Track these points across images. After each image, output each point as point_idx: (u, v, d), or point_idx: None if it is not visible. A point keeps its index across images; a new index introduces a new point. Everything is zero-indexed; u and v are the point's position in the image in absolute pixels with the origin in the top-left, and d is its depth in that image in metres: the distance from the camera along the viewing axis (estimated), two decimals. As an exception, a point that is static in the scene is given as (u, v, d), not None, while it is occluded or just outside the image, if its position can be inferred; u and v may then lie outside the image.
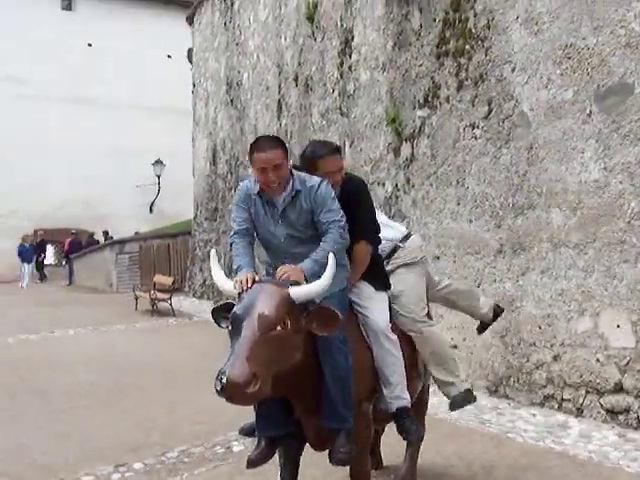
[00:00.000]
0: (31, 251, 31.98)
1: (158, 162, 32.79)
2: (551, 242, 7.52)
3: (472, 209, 8.57)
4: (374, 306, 4.69)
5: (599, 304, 7.03)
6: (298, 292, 3.97)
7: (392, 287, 5.06)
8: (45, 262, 35.44)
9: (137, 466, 6.37)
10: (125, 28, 37.18)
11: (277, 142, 4.30)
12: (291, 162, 4.51)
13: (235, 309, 3.88)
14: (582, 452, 6.24)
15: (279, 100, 15.23)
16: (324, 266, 4.05)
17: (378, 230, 4.95)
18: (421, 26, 9.47)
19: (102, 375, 10.17)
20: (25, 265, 31.31)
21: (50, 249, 37.40)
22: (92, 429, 7.56)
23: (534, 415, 7.46)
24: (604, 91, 6.98)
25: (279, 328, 3.76)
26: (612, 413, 6.92)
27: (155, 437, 7.19)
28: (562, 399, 7.42)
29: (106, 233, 33.02)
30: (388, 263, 5.24)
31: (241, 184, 4.61)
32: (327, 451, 4.35)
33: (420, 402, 5.49)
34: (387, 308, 4.83)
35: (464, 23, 8.67)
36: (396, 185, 10.07)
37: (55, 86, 36.37)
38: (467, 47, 8.63)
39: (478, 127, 8.48)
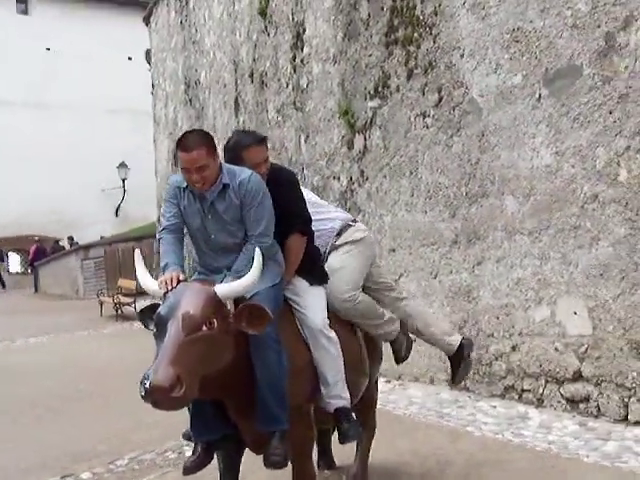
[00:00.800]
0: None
1: (122, 165, 32.53)
2: (506, 230, 7.37)
3: (426, 200, 8.41)
4: (310, 302, 4.50)
5: (555, 292, 6.89)
6: (224, 290, 3.81)
7: (332, 264, 4.90)
8: (10, 270, 35.07)
9: (85, 476, 6.25)
10: (84, 31, 37.00)
11: (203, 140, 4.06)
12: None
13: (159, 310, 3.72)
14: (541, 443, 6.09)
15: (236, 97, 15.00)
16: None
17: (310, 221, 4.75)
18: (369, 15, 9.29)
19: (60, 383, 10.00)
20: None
21: (14, 257, 37.09)
22: (42, 438, 7.40)
23: (494, 407, 7.33)
24: (553, 74, 6.83)
25: (205, 328, 3.60)
26: (572, 402, 6.79)
27: (108, 444, 7.02)
28: (522, 390, 7.29)
29: (71, 239, 32.71)
30: (336, 241, 5.06)
31: (171, 178, 4.43)
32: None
33: (368, 400, 5.31)
34: (324, 304, 4.63)
35: (412, 10, 8.50)
36: (351, 178, 9.90)
37: (15, 91, 36.06)
38: (415, 35, 8.46)
39: (429, 116, 8.32)
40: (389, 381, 8.83)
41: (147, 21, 22.73)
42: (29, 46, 36.53)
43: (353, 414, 4.59)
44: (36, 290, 31.71)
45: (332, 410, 4.42)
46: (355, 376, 4.77)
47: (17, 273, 37.95)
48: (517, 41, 7.16)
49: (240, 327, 3.78)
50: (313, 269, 4.70)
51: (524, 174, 7.12)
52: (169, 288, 3.82)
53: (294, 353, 4.22)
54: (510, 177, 7.28)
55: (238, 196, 4.14)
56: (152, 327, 3.77)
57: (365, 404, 5.30)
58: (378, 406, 7.43)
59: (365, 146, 9.52)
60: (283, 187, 4.53)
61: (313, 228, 4.77)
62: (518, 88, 7.18)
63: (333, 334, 4.45)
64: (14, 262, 38.37)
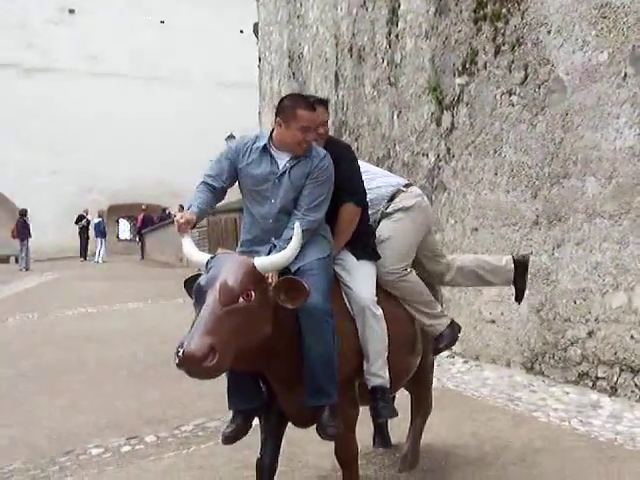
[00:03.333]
0: (101, 226, 32.46)
1: (231, 137, 32.66)
2: (586, 212, 7.16)
3: (509, 179, 8.23)
4: (358, 278, 4.46)
5: (633, 278, 6.66)
6: (263, 262, 3.83)
7: (381, 232, 4.85)
8: (119, 237, 36.07)
9: (149, 439, 6.37)
10: (197, 4, 37.46)
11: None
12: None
13: (199, 280, 3.77)
14: (608, 433, 5.95)
15: (336, 72, 14.98)
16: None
17: (365, 195, 4.72)
18: (460, -10, 9.13)
19: (146, 348, 10.25)
20: (99, 240, 31.86)
21: (124, 224, 38.08)
22: (118, 401, 7.59)
23: (567, 393, 7.15)
24: (640, 52, 6.59)
25: (242, 300, 3.61)
26: (646, 392, 6.59)
27: (177, 410, 7.18)
28: (596, 377, 7.09)
29: (182, 207, 33.27)
30: (387, 207, 4.97)
31: (238, 138, 4.52)
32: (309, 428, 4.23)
33: (422, 379, 5.26)
34: (373, 280, 4.59)
35: (501, -15, 8.31)
36: (438, 155, 9.77)
37: (129, 64, 37.04)
38: (504, 10, 8.26)
39: (515, 94, 8.12)
40: (467, 361, 8.76)
41: (256, -5, 22.93)
42: (145, 20, 37.29)
43: (390, 394, 4.55)
44: (142, 257, 32.51)
45: (370, 387, 4.39)
46: (404, 355, 4.73)
47: (126, 240, 38.98)
48: (605, 17, 6.91)
49: (279, 301, 3.79)
50: (363, 244, 4.65)
51: (607, 155, 6.90)
52: (178, 228, 4.12)
53: (340, 327, 4.20)
54: (592, 158, 7.06)
55: (309, 167, 4.22)
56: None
57: (419, 384, 5.27)
58: (450, 386, 7.51)
59: (452, 123, 9.37)
60: (341, 159, 4.53)
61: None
62: (604, 66, 6.94)
63: (380, 311, 4.41)
64: (124, 229, 39.42)
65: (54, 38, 36.35)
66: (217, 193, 4.39)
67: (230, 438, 4.27)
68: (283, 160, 4.25)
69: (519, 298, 5.61)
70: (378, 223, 4.95)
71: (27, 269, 27.73)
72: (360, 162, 4.90)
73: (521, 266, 5.46)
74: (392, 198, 5.00)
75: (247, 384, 4.20)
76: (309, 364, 3.98)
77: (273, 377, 4.14)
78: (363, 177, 4.74)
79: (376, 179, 5.05)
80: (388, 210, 4.97)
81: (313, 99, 4.61)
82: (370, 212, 4.84)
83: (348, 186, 4.50)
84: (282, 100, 4.35)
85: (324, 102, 4.72)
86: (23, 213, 28.87)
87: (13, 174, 34.36)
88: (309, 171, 4.21)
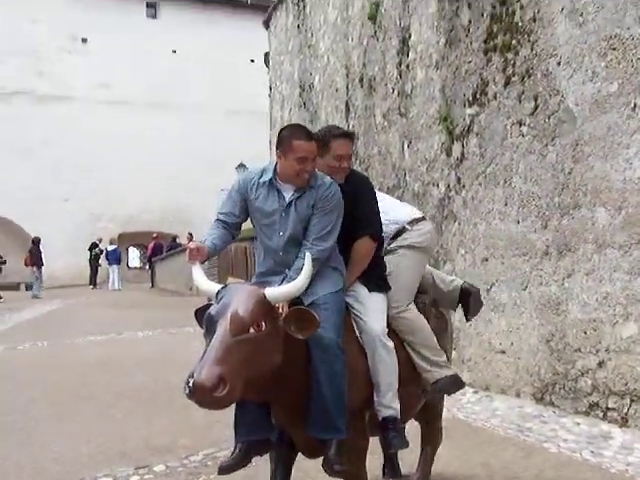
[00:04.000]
0: (117, 254, 32.55)
1: (241, 166, 32.73)
2: (596, 243, 7.17)
3: (519, 209, 8.26)
4: (370, 309, 4.46)
5: (644, 308, 6.67)
6: (274, 293, 3.83)
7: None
8: (129, 265, 36.18)
9: (158, 469, 6.33)
10: (209, 34, 37.92)
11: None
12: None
13: (210, 310, 3.77)
14: (619, 465, 5.91)
15: (347, 102, 15.06)
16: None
17: (381, 228, 4.74)
18: (470, 21, 9.20)
19: (155, 376, 10.22)
20: (113, 267, 31.95)
21: (134, 252, 38.18)
22: (127, 429, 7.57)
23: (578, 424, 7.11)
24: (649, 83, 6.63)
25: (252, 330, 3.61)
26: (657, 424, 6.56)
27: (187, 439, 7.14)
28: (607, 408, 7.06)
29: (190, 235, 33.33)
30: (390, 244, 5.01)
31: (244, 173, 4.54)
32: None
33: (431, 410, 5.25)
34: (385, 311, 4.59)
35: (511, 17, 8.37)
36: (448, 185, 9.81)
37: (141, 92, 37.25)
38: (514, 42, 8.32)
39: (525, 124, 8.16)
40: (476, 392, 8.74)
41: (267, 25, 23.07)
42: (156, 48, 37.67)
43: (400, 425, 4.54)
44: (152, 285, 32.58)
45: (380, 418, 4.38)
46: (412, 387, 4.72)
47: (136, 268, 39.09)
48: (614, 48, 6.96)
49: (289, 331, 3.79)
50: (375, 276, 4.67)
51: (616, 186, 6.92)
52: (189, 256, 4.13)
53: (351, 359, 4.20)
54: (602, 189, 7.08)
55: (314, 197, 4.22)
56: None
57: (429, 414, 5.27)
58: (460, 416, 7.48)
59: (462, 153, 9.42)
60: (359, 191, 4.59)
61: None
62: (613, 97, 6.97)
63: (391, 343, 4.41)
64: (134, 257, 39.54)
65: (66, 66, 36.66)
66: (231, 229, 4.44)
67: (224, 469, 4.19)
68: (289, 193, 4.27)
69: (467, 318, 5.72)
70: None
71: (39, 297, 27.76)
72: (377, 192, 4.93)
73: (467, 295, 5.45)
74: (396, 235, 5.05)
75: (255, 415, 4.17)
76: (319, 398, 3.96)
77: (282, 407, 4.12)
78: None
79: (388, 213, 5.03)
80: (391, 247, 5.02)
81: (340, 132, 4.68)
82: None
83: (365, 219, 4.53)
84: (281, 131, 4.34)
85: (350, 135, 4.75)
86: (36, 241, 28.95)
87: (24, 201, 34.51)
88: (314, 201, 4.22)
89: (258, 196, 4.33)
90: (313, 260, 3.97)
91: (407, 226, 5.09)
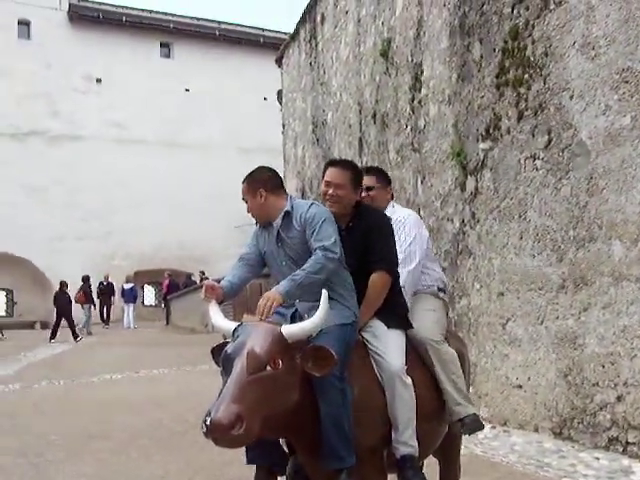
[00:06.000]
0: (133, 292, 32.57)
1: (255, 204, 32.96)
2: (612, 276, 7.14)
3: (534, 243, 8.25)
4: (388, 346, 4.41)
5: (662, 341, 6.62)
6: (291, 330, 3.82)
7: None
8: (144, 303, 36.25)
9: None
10: (222, 73, 38.34)
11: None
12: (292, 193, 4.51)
13: (227, 348, 3.77)
14: (640, 500, 5.85)
15: (360, 138, 15.12)
16: (301, 286, 4.06)
17: (397, 264, 4.75)
18: (482, 56, 9.26)
19: (171, 414, 10.18)
20: (128, 306, 31.98)
21: (149, 290, 38.25)
22: (143, 469, 7.50)
23: (597, 459, 7.02)
24: (662, 116, 6.63)
25: (269, 368, 3.61)
26: (678, 458, 6.48)
27: (202, 478, 7.09)
28: (627, 442, 6.97)
29: (202, 273, 33.40)
30: None
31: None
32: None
33: (449, 448, 5.20)
34: (403, 348, 4.57)
35: (522, 51, 8.41)
36: (463, 220, 9.81)
37: (154, 131, 37.56)
38: (526, 76, 8.36)
39: (539, 158, 8.18)
40: (494, 427, 8.67)
41: (279, 62, 23.26)
42: (170, 87, 38.02)
43: (418, 462, 4.50)
44: (167, 323, 32.60)
45: (399, 456, 4.34)
46: (432, 424, 4.68)
47: (151, 306, 39.15)
48: (626, 82, 6.98)
49: (306, 368, 3.78)
50: (393, 312, 4.66)
51: (632, 219, 6.90)
52: (203, 296, 4.23)
53: (368, 395, 4.19)
54: (617, 221, 7.06)
55: (300, 223, 4.34)
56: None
57: (447, 450, 5.21)
58: (478, 452, 7.40)
59: (476, 188, 9.43)
60: (373, 225, 4.63)
61: None
62: (627, 130, 6.98)
63: (409, 380, 4.37)
64: (149, 295, 39.61)
65: (81, 106, 37.01)
66: (253, 266, 4.57)
67: None
68: (276, 227, 4.44)
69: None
70: None
71: (90, 333, 28.02)
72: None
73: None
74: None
75: (265, 440, 4.16)
76: (323, 428, 3.96)
77: (298, 443, 4.12)
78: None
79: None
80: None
81: (335, 160, 5.20)
82: None
83: (379, 253, 4.54)
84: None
85: (344, 164, 4.88)
86: (86, 279, 29.17)
87: (39, 240, 34.71)
88: (302, 229, 4.33)
89: (263, 234, 4.55)
90: (321, 258, 4.13)
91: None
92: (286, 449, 4.31)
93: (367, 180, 5.07)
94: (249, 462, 4.29)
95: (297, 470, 4.30)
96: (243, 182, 4.48)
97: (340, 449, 3.96)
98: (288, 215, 4.38)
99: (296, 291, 4.07)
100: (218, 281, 4.39)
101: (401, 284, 4.81)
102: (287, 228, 4.38)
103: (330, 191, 4.62)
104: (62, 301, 26.38)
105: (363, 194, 4.83)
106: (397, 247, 4.79)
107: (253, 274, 4.54)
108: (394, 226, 4.93)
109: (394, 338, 4.53)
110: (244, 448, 4.22)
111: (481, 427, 5.02)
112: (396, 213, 5.31)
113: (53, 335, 25.25)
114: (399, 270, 4.78)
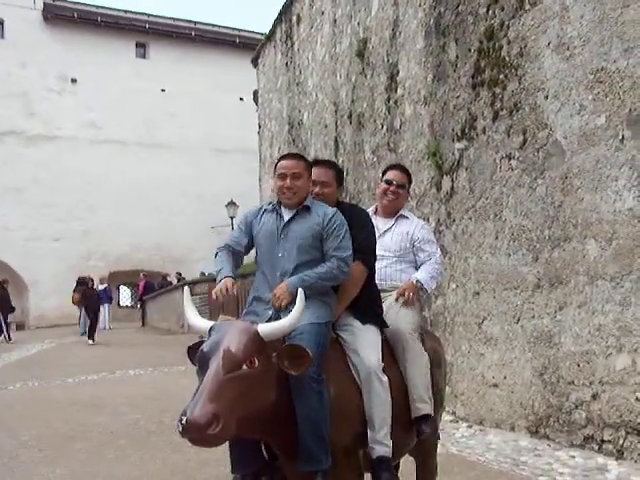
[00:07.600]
0: (107, 292, 32.30)
1: (231, 203, 32.83)
2: (587, 275, 7.17)
3: (510, 243, 8.28)
4: (364, 342, 4.41)
5: (637, 339, 6.63)
6: (267, 329, 3.80)
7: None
8: (120, 304, 36.10)
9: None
10: (198, 73, 38.29)
11: (302, 157, 4.61)
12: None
13: (202, 347, 3.74)
14: (616, 498, 5.88)
15: (336, 138, 15.14)
16: (309, 288, 4.09)
17: (375, 256, 4.77)
18: (457, 57, 9.29)
19: (147, 415, 10.11)
20: (103, 306, 31.75)
21: (125, 291, 38.10)
22: (119, 470, 7.44)
23: (573, 457, 7.06)
24: (636, 115, 6.65)
25: (245, 367, 3.59)
26: (653, 455, 6.52)
27: (178, 478, 7.03)
28: (602, 440, 7.01)
29: (179, 274, 33.33)
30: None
31: (251, 209, 4.64)
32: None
33: (425, 446, 5.19)
34: (379, 345, 4.57)
35: (498, 52, 8.45)
36: (438, 220, 9.84)
37: (130, 131, 37.44)
38: (501, 76, 8.40)
39: (514, 158, 8.21)
40: (470, 426, 8.70)
41: (255, 63, 23.26)
42: (146, 88, 37.93)
43: (392, 464, 4.48)
44: (143, 324, 32.46)
45: (374, 457, 4.32)
46: (405, 423, 4.68)
47: (127, 307, 39.04)
48: (601, 82, 7.01)
49: (282, 367, 3.76)
50: (369, 308, 4.67)
51: (606, 218, 6.94)
52: (220, 296, 4.21)
53: (344, 394, 4.18)
54: (592, 221, 7.10)
55: (321, 225, 4.36)
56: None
57: (423, 449, 5.20)
58: (454, 451, 7.41)
59: (452, 188, 9.46)
60: (353, 219, 4.62)
61: None
62: (601, 129, 7.01)
63: (385, 378, 4.36)
64: (125, 295, 39.49)
65: (56, 106, 36.85)
66: (239, 258, 4.58)
67: None
68: (288, 215, 4.43)
69: None
70: None
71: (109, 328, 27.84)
72: None
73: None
74: None
75: (248, 448, 4.15)
76: (299, 429, 3.94)
77: (275, 444, 4.09)
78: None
79: None
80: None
81: (318, 160, 5.19)
82: None
83: (357, 245, 4.53)
84: None
85: (326, 163, 4.99)
86: (86, 281, 28.84)
87: (14, 240, 34.50)
88: (322, 229, 4.35)
89: (262, 222, 4.50)
90: (336, 269, 4.26)
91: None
92: (265, 454, 4.27)
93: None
94: (234, 472, 4.27)
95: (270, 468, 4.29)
96: (296, 158, 4.52)
97: (316, 451, 3.94)
98: (307, 210, 4.42)
99: (305, 291, 4.01)
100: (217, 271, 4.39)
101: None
102: (301, 220, 4.40)
103: (317, 190, 4.67)
104: (93, 298, 25.71)
105: (317, 189, 4.78)
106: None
107: (237, 266, 4.55)
108: (423, 230, 5.50)
109: (370, 335, 4.52)
110: (228, 459, 4.22)
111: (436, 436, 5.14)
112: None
113: (91, 334, 23.75)
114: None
